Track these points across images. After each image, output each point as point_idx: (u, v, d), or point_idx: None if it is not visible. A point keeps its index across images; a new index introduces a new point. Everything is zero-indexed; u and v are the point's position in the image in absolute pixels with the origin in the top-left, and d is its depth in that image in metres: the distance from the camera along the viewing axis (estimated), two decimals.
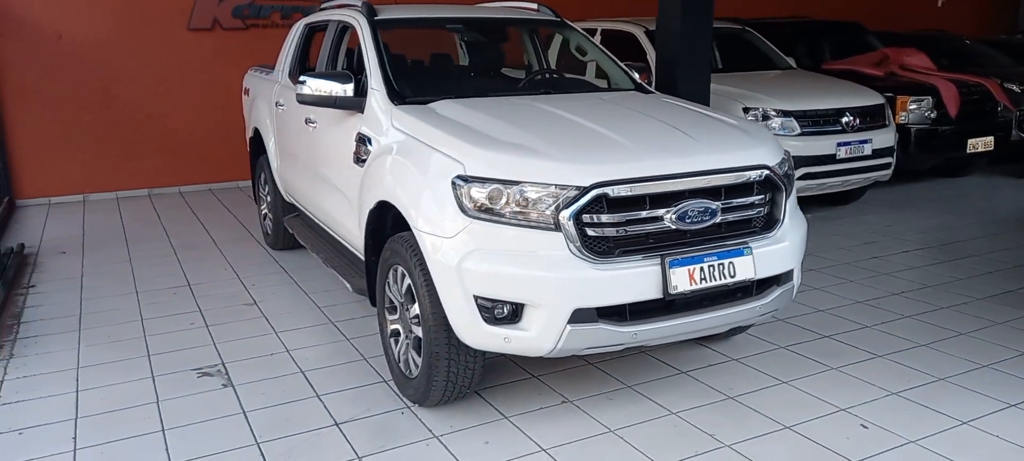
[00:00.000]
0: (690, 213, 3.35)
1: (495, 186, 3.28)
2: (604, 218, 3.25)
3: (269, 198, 6.54)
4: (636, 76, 5.06)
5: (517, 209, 3.26)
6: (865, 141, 7.19)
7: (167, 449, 3.50)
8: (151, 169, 9.08)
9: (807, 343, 4.52)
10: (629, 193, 3.27)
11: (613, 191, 3.24)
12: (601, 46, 5.38)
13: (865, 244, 6.66)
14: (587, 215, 3.23)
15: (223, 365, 4.37)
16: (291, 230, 5.98)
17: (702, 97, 6.20)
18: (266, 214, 6.77)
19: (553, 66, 6.57)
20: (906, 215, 7.73)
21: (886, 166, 7.43)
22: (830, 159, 7.03)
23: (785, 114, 6.99)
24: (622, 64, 5.18)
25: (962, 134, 8.52)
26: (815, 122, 7.07)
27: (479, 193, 3.30)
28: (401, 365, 3.90)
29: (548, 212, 3.23)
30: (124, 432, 3.64)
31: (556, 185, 3.23)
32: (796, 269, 3.73)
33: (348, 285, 4.59)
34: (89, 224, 7.72)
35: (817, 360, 4.28)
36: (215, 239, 7.06)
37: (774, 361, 4.28)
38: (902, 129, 8.04)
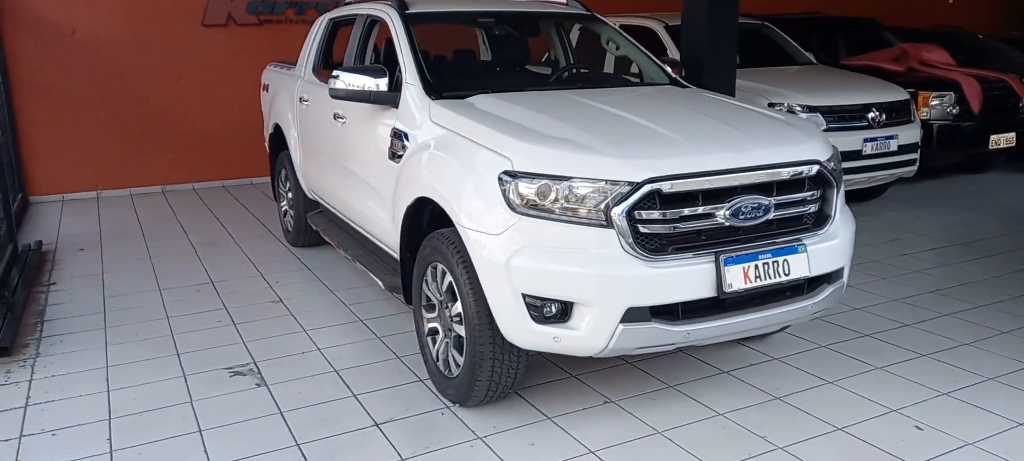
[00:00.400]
0: (744, 209, 3.27)
1: (544, 182, 3.21)
2: (657, 214, 3.17)
3: (290, 194, 6.47)
4: (669, 70, 4.98)
5: (567, 205, 3.19)
6: (891, 137, 7.11)
7: (206, 450, 3.42)
8: (165, 165, 9.00)
9: (848, 342, 4.45)
10: (683, 189, 3.20)
11: (666, 187, 3.17)
12: (633, 40, 5.28)
13: (892, 241, 6.58)
14: (639, 211, 3.15)
15: (255, 364, 4.29)
16: (315, 227, 5.90)
17: (728, 93, 6.11)
18: (286, 211, 6.70)
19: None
20: (928, 212, 7.66)
21: (911, 162, 7.36)
22: (857, 155, 6.95)
23: (811, 110, 6.91)
24: (655, 58, 5.09)
25: (984, 130, 8.45)
26: (841, 118, 6.99)
27: (527, 189, 3.23)
28: (440, 364, 3.83)
29: (599, 208, 3.15)
30: (160, 433, 3.56)
31: (607, 181, 3.16)
32: (846, 267, 3.65)
33: (380, 282, 4.52)
34: (105, 221, 7.64)
35: (860, 359, 4.21)
36: (234, 236, 6.99)
37: (816, 360, 4.21)
38: (924, 125, 7.94)
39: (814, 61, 8.65)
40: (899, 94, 7.42)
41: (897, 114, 7.28)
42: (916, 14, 13.10)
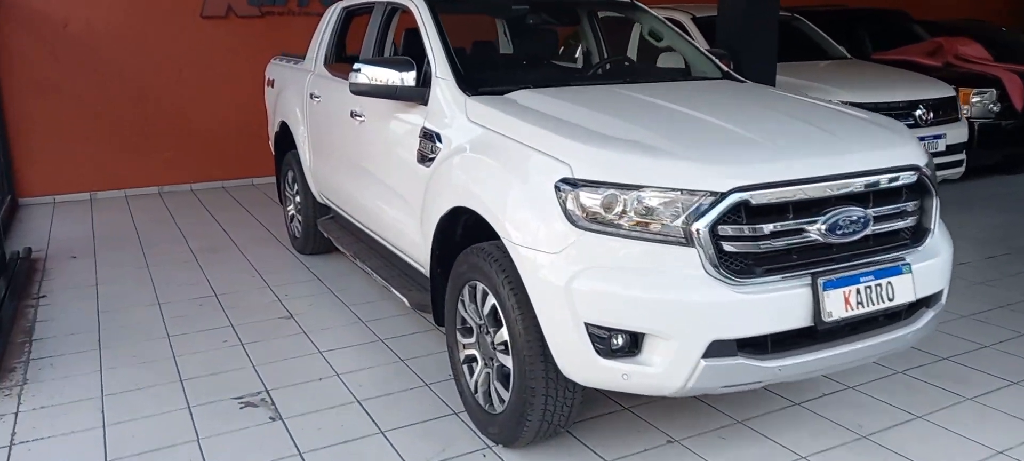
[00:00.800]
0: (841, 223, 2.81)
1: (610, 191, 2.75)
2: (745, 230, 2.71)
3: (298, 198, 6.01)
4: (720, 63, 4.52)
5: (637, 219, 2.73)
6: (939, 136, 6.67)
7: None
8: (161, 165, 8.52)
9: (927, 367, 4.00)
10: (774, 200, 2.74)
11: (755, 197, 2.71)
12: (677, 30, 4.83)
13: None
14: (724, 226, 2.69)
15: (267, 393, 3.83)
16: (327, 234, 5.45)
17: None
18: (293, 215, 6.25)
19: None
20: (970, 216, 7.20)
21: (959, 163, 6.93)
22: None
23: (855, 107, 6.44)
24: (704, 50, 4.64)
25: None
26: (887, 116, 6.52)
27: (590, 199, 2.77)
28: (480, 398, 3.37)
29: (677, 223, 2.69)
30: None
31: (686, 190, 2.70)
32: (945, 289, 3.21)
33: (405, 300, 4.07)
34: (99, 224, 7.18)
35: (946, 389, 3.76)
36: (236, 241, 6.52)
37: (896, 389, 3.76)
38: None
39: (848, 55, 8.21)
40: (945, 91, 6.99)
41: (944, 112, 6.86)
42: (931, 6, 12.63)
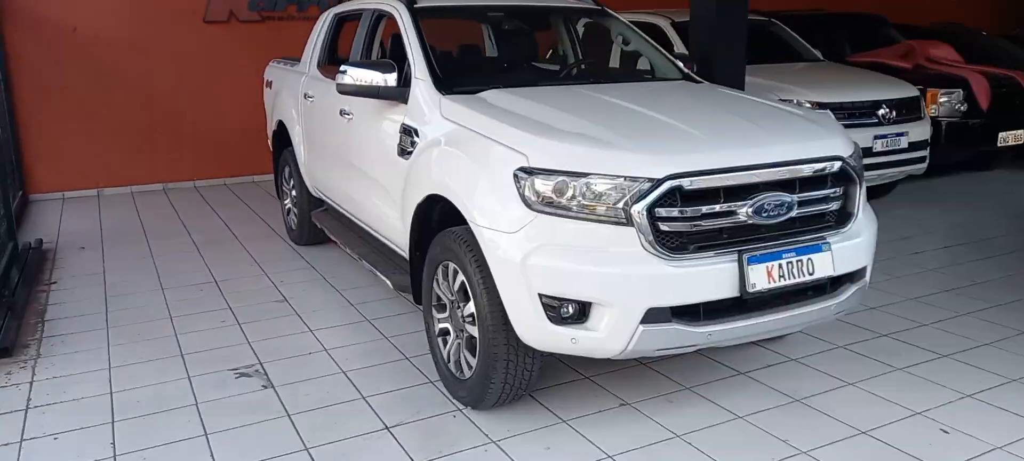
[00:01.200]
0: (767, 206, 3.18)
1: (561, 178, 3.12)
2: (677, 212, 3.08)
3: (294, 192, 6.38)
4: (682, 66, 4.88)
5: (585, 202, 3.10)
6: (901, 134, 7.02)
7: (212, 454, 3.34)
8: (166, 163, 8.91)
9: (866, 342, 4.36)
10: (705, 185, 3.11)
11: (687, 183, 3.08)
12: (644, 35, 5.20)
13: (903, 239, 6.50)
14: (660, 209, 3.06)
15: (260, 365, 4.20)
16: (320, 225, 5.81)
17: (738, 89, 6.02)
18: (290, 209, 6.61)
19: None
20: (935, 210, 7.59)
21: (921, 160, 7.27)
22: (867, 152, 6.83)
23: (821, 106, 6.81)
24: (667, 53, 5.01)
25: (992, 128, 8.36)
26: (851, 115, 6.90)
27: (544, 186, 3.14)
28: (451, 366, 3.74)
29: (619, 206, 3.06)
30: (165, 436, 3.47)
31: (626, 177, 3.07)
32: (869, 266, 3.57)
33: (388, 282, 4.43)
34: (106, 219, 7.55)
35: (880, 360, 4.12)
36: (236, 234, 6.90)
37: (835, 361, 4.12)
38: (932, 122, 7.83)
39: (822, 58, 8.56)
40: (909, 91, 7.33)
41: (907, 111, 7.20)
42: (918, 11, 12.98)
